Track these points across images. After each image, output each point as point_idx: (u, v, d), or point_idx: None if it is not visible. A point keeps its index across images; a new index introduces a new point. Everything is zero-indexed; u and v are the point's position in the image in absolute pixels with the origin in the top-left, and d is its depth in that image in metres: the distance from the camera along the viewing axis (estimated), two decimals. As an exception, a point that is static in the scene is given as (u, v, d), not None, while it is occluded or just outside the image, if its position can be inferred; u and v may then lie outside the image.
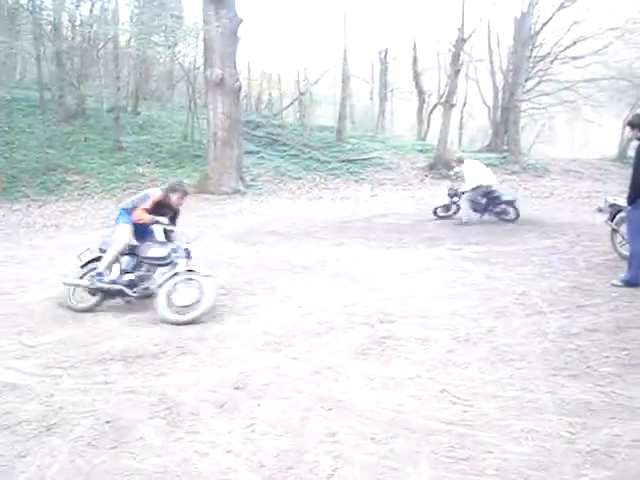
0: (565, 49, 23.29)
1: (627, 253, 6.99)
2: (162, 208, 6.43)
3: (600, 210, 8.62)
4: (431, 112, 29.01)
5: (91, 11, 22.52)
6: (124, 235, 6.40)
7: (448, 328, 5.35)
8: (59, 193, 16.15)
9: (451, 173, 11.99)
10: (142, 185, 17.26)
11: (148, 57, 22.06)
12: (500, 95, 25.72)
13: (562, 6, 22.12)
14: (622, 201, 7.19)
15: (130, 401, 4.06)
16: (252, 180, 18.65)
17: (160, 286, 5.99)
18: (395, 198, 17.07)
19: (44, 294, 7.09)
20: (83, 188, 16.67)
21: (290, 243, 10.18)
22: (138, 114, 23.53)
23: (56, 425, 3.73)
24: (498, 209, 11.76)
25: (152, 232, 6.48)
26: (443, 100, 23.52)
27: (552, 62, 24.01)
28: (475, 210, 11.85)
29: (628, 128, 7.03)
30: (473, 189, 11.69)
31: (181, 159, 19.86)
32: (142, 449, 3.43)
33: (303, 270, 7.96)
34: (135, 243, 6.48)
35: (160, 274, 6.19)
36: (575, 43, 22.91)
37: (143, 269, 6.42)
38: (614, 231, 8.00)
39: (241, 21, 17.71)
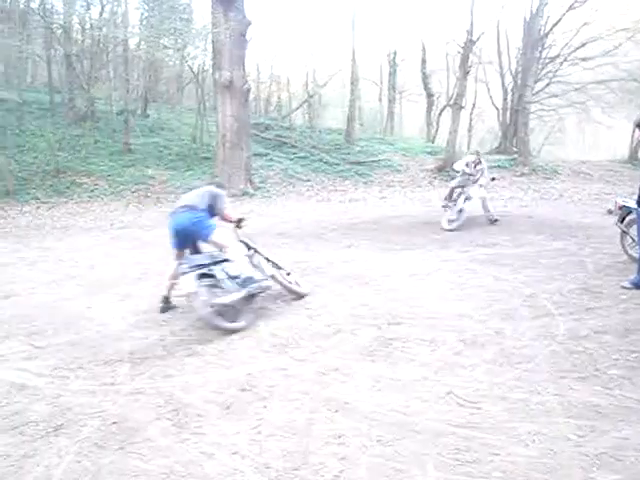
0: (575, 50, 23.17)
1: (637, 255, 6.94)
2: None
3: (610, 212, 8.56)
4: (440, 114, 29.00)
5: (101, 14, 22.70)
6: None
7: (455, 330, 5.33)
8: (69, 195, 16.25)
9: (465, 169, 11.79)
10: (151, 187, 17.36)
11: (157, 60, 22.18)
12: (509, 97, 25.65)
13: (571, 7, 22.04)
14: (632, 203, 7.14)
15: (137, 402, 4.08)
16: (261, 182, 18.68)
17: None
18: (404, 200, 17.04)
19: (53, 296, 7.13)
20: (92, 190, 16.76)
21: (299, 245, 10.18)
22: (147, 117, 23.66)
23: (63, 426, 3.76)
24: None
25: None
26: (452, 102, 23.48)
27: (561, 64, 23.90)
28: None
29: (636, 129, 6.99)
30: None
31: (190, 161, 19.92)
32: (149, 450, 3.44)
33: (311, 272, 7.96)
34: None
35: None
36: (585, 44, 22.81)
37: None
38: (624, 233, 7.95)
39: (250, 23, 17.76)
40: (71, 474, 3.21)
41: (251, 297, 5.94)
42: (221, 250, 6.07)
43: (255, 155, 19.79)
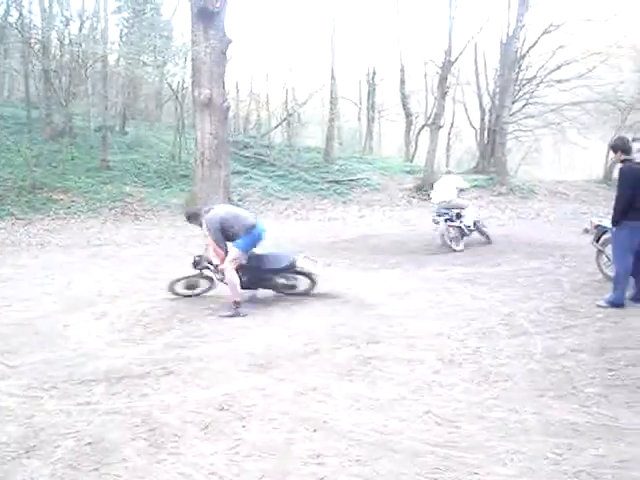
0: (551, 72, 23.53)
1: (612, 274, 7.02)
2: None
3: (586, 231, 8.67)
4: (418, 134, 29.17)
5: (80, 30, 22.62)
6: None
7: (434, 349, 5.34)
8: (45, 212, 16.04)
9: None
10: (128, 204, 17.23)
11: (137, 77, 22.07)
12: (487, 117, 25.92)
13: (546, 31, 22.40)
14: (607, 222, 7.24)
15: (113, 422, 4.01)
16: (239, 200, 18.63)
17: None
18: (382, 219, 17.12)
19: (28, 313, 7.02)
20: (69, 207, 16.59)
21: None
22: (126, 133, 23.51)
23: (36, 447, 3.67)
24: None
25: None
26: (430, 122, 23.69)
27: (538, 85, 24.25)
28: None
29: (611, 151, 7.11)
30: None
31: (168, 179, 19.83)
32: (124, 471, 3.38)
33: (289, 290, 7.93)
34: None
35: None
36: (560, 67, 23.17)
37: None
38: (600, 252, 8.06)
39: (230, 41, 17.78)
40: (44, 496, 3.14)
41: None
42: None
43: (234, 173, 19.76)
